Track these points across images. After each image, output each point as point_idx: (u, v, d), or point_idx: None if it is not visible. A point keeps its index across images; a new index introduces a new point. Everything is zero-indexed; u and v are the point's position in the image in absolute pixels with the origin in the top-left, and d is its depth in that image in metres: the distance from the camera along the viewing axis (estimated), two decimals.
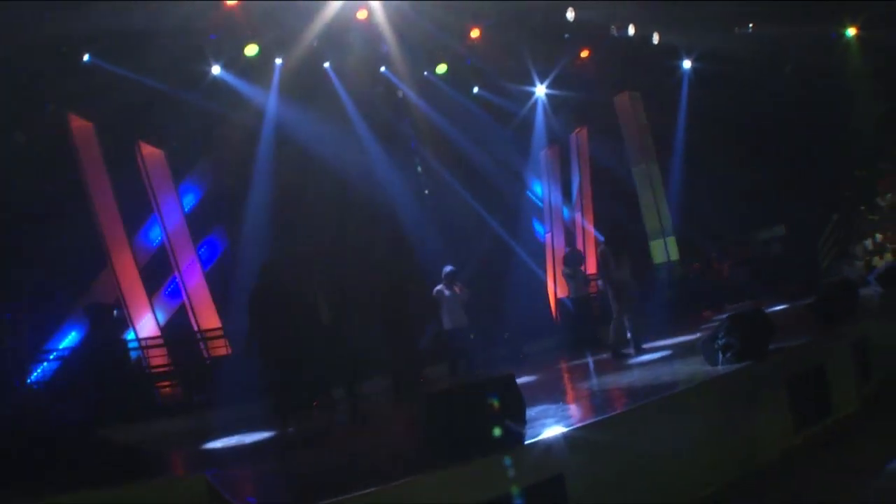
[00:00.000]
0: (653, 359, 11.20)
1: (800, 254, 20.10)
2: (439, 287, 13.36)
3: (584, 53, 19.72)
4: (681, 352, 11.25)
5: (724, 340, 8.36)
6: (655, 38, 18.26)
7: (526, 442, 6.12)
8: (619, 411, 6.95)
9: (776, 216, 21.35)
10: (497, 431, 6.02)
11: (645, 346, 12.59)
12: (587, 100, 20.67)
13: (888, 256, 17.91)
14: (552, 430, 6.41)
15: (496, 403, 6.12)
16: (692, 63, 20.36)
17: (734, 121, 20.17)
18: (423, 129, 18.71)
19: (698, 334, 12.89)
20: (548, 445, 6.12)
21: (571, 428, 6.40)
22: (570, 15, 16.81)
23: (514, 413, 6.23)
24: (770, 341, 8.75)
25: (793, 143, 20.11)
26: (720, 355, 8.38)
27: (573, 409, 8.11)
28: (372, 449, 8.19)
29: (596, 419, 6.72)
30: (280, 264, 10.83)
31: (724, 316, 8.70)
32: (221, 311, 15.13)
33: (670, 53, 19.81)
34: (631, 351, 12.36)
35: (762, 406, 7.86)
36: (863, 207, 20.61)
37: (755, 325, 8.58)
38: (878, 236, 19.18)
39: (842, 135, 20.44)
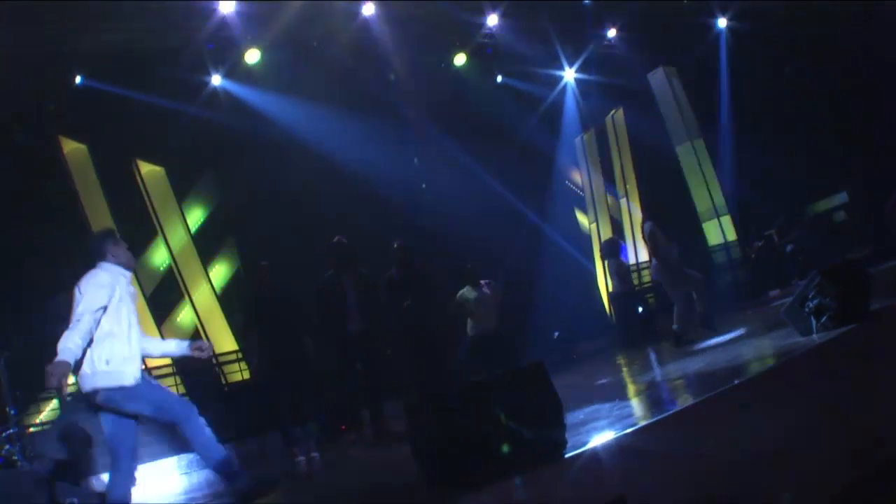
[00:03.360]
0: (726, 339, 9.13)
1: (867, 219, 17.94)
2: (463, 291, 11.44)
3: (612, 32, 17.89)
4: (758, 329, 9.16)
5: (816, 302, 6.32)
6: None
7: (567, 454, 4.17)
8: (692, 403, 4.95)
9: (837, 182, 19.23)
10: (522, 442, 4.09)
11: (719, 327, 10.54)
12: (620, 79, 18.70)
13: None
14: (604, 436, 4.47)
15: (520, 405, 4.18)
16: (728, 22, 18.25)
17: (781, 83, 18.12)
18: (446, 121, 16.91)
19: (771, 311, 10.87)
20: (598, 457, 4.17)
21: (631, 430, 4.45)
22: None
23: (547, 416, 4.28)
24: (870, 300, 6.70)
25: (848, 99, 17.96)
26: (813, 321, 6.34)
27: (633, 408, 6.12)
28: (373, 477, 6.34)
29: (663, 416, 4.72)
30: (274, 269, 9.04)
31: (812, 273, 6.65)
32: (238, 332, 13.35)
33: (704, 14, 17.77)
34: (700, 334, 10.35)
35: (877, 381, 5.80)
36: None
37: (853, 281, 6.53)
38: None
39: None
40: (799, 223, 18.24)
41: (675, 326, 10.57)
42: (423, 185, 16.93)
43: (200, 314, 13.42)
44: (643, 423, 4.60)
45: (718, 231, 18.82)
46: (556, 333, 15.80)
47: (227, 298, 13.97)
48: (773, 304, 12.22)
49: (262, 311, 8.73)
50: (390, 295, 9.84)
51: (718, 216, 18.84)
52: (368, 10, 14.46)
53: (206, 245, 14.37)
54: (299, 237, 13.68)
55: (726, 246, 18.59)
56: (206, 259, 14.18)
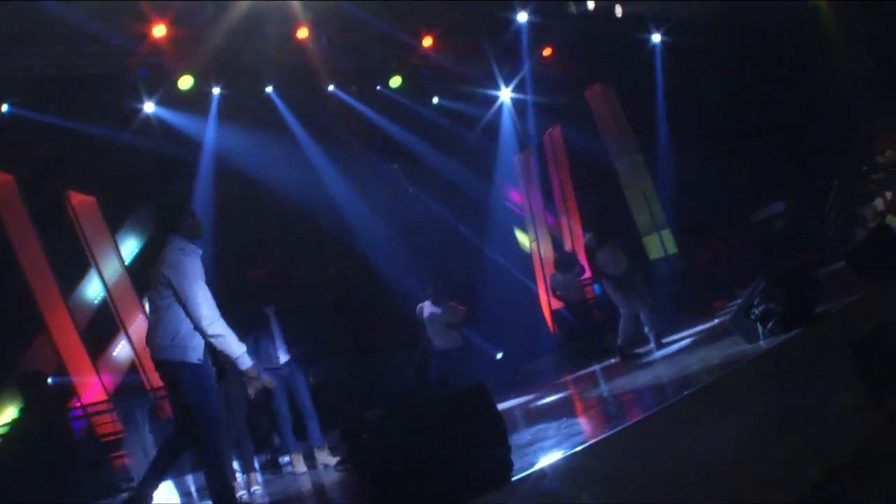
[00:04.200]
0: (673, 351, 8.96)
1: (804, 226, 18.10)
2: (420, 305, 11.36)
3: (547, 52, 17.82)
4: (705, 339, 9.01)
5: (762, 308, 6.17)
6: (619, 11, 16.22)
7: (514, 477, 3.91)
8: (642, 417, 4.71)
9: (774, 192, 19.38)
10: (467, 466, 3.81)
11: (665, 340, 10.37)
12: (557, 97, 18.62)
13: None
14: (552, 457, 4.21)
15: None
16: (662, 37, 18.26)
17: (716, 97, 18.19)
18: (383, 144, 16.70)
19: (716, 321, 10.75)
20: (546, 478, 3.92)
21: (580, 449, 4.20)
22: None
23: (491, 438, 4.01)
24: (817, 302, 6.58)
25: (781, 113, 18.15)
26: (759, 327, 6.19)
27: (581, 425, 5.87)
28: None
29: (612, 432, 4.46)
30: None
31: (756, 280, 6.51)
32: None
33: (638, 29, 17.77)
34: (646, 349, 10.17)
35: (828, 382, 5.69)
36: (864, 168, 18.78)
37: (798, 285, 6.40)
38: (888, 194, 17.17)
39: (830, 99, 18.67)
40: (739, 233, 18.29)
41: (619, 341, 10.38)
42: (410, 190, 16.68)
43: (137, 348, 12.91)
44: (592, 440, 4.35)
45: (659, 245, 18.79)
46: (500, 354, 15.56)
47: None
48: (719, 314, 12.14)
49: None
50: (331, 322, 9.54)
51: (659, 230, 18.81)
52: (302, 33, 14.18)
53: (142, 276, 13.69)
54: (239, 266, 13.27)
55: (668, 259, 18.55)
56: (143, 291, 13.54)
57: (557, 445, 4.68)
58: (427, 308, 11.56)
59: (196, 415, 5.52)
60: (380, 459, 3.89)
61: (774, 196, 19.53)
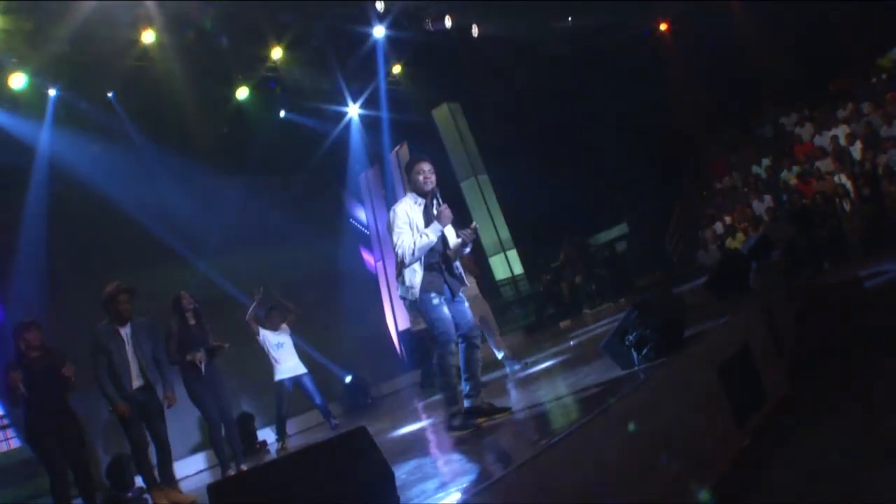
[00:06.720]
0: (535, 375, 8.60)
1: (647, 248, 18.57)
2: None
3: (397, 69, 17.55)
4: (567, 363, 8.73)
5: (636, 334, 5.97)
6: (475, 31, 16.09)
7: None
8: (539, 451, 4.24)
9: (617, 214, 19.82)
10: None
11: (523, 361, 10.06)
12: (405, 115, 18.36)
13: (740, 237, 16.49)
14: (451, 498, 3.74)
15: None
16: (514, 59, 18.26)
17: (564, 121, 18.41)
18: (228, 157, 15.88)
19: (570, 342, 10.60)
20: None
21: (477, 490, 3.72)
22: (380, 6, 14.46)
23: (379, 487, 3.51)
24: (684, 327, 6.47)
25: (625, 138, 18.58)
26: (635, 354, 5.98)
27: (460, 461, 5.30)
28: None
29: (513, 468, 3.97)
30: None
31: (630, 307, 6.30)
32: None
33: (490, 50, 17.71)
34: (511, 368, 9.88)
35: (700, 406, 5.52)
36: (704, 193, 19.55)
37: (667, 311, 6.26)
38: (727, 219, 17.83)
39: (671, 126, 19.32)
40: (583, 254, 18.53)
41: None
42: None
43: None
44: (489, 480, 3.85)
45: (505, 265, 18.73)
46: (349, 378, 14.99)
47: None
48: (569, 336, 12.02)
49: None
50: (175, 348, 8.72)
51: (504, 250, 18.76)
52: (148, 37, 13.34)
53: None
54: (74, 286, 12.13)
55: (514, 280, 18.52)
56: None
57: (443, 487, 4.19)
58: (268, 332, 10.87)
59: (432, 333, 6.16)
60: None
61: (618, 218, 19.96)
